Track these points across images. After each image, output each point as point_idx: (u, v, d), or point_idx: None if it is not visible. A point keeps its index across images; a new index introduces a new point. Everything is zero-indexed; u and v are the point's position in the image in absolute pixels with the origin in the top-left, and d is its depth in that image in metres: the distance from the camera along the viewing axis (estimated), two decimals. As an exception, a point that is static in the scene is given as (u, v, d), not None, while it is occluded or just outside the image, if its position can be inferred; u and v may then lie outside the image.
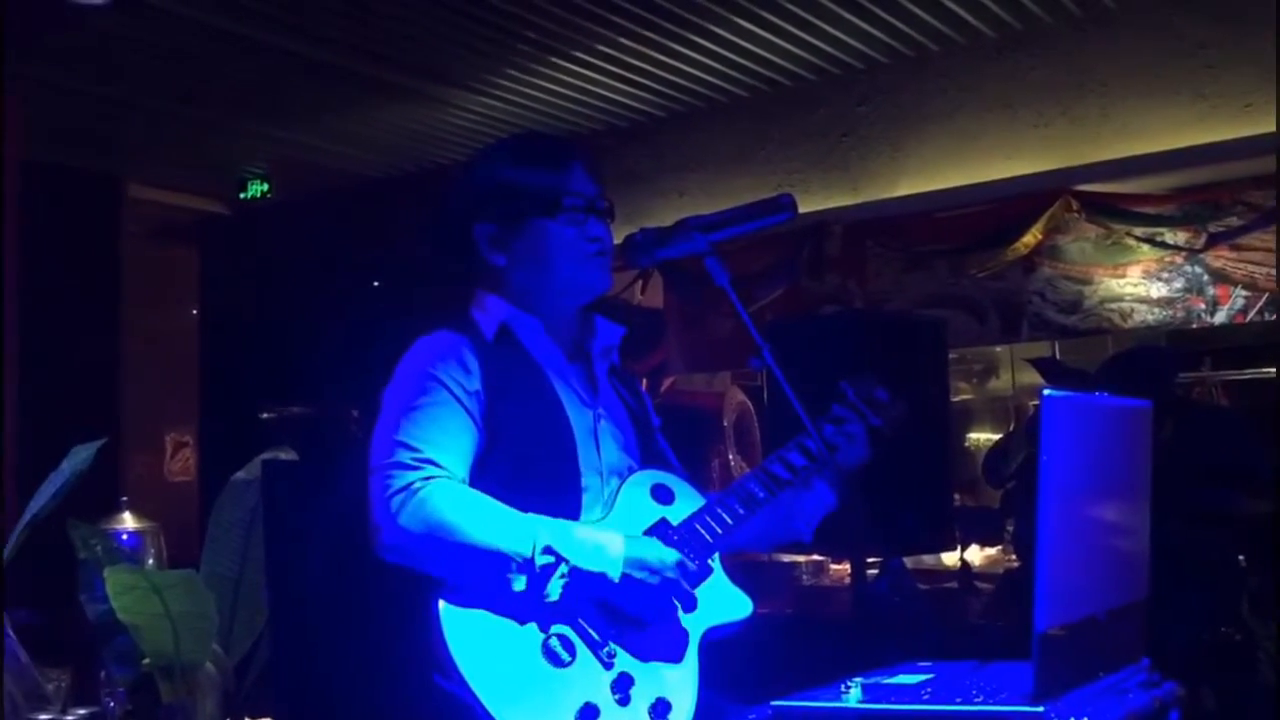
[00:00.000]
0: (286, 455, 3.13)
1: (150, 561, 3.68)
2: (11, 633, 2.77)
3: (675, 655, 1.87)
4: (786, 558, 5.11)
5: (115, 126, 5.90)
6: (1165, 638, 2.13)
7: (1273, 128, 4.37)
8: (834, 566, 5.24)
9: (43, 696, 2.77)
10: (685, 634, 1.90)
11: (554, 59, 5.17)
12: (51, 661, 3.00)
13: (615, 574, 1.82)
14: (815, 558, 5.00)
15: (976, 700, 1.53)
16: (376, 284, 6.58)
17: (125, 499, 3.84)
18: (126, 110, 5.69)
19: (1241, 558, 2.84)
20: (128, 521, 3.76)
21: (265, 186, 6.69)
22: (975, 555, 5.13)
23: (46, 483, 2.94)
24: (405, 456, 1.82)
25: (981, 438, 7.43)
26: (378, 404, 1.95)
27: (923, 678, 1.73)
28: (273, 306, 6.68)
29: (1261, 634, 2.75)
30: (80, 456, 2.98)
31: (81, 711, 2.50)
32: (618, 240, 2.08)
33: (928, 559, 4.89)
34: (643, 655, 1.85)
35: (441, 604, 1.78)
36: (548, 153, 2.09)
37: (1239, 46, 4.52)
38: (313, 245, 6.74)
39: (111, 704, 3.08)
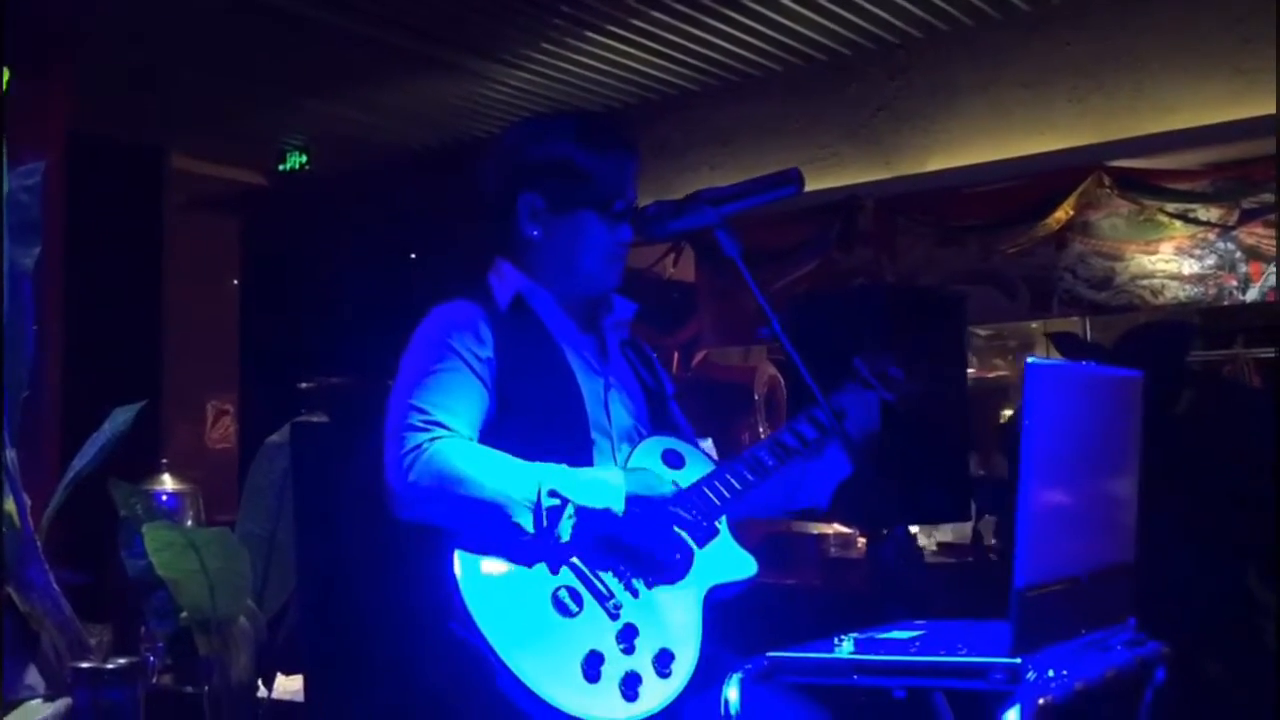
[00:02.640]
0: (317, 419, 3.22)
1: (189, 522, 3.81)
2: (56, 586, 2.88)
3: (681, 575, 1.95)
4: (814, 530, 5.15)
5: (158, 99, 6.02)
6: (1170, 606, 2.17)
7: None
8: (860, 540, 5.27)
9: (85, 647, 2.88)
10: (691, 557, 1.98)
11: (588, 33, 5.22)
12: (93, 617, 3.11)
13: (619, 507, 1.91)
14: (842, 530, 5.04)
15: (960, 652, 1.59)
16: (413, 255, 6.68)
17: (165, 461, 3.96)
18: (169, 83, 5.80)
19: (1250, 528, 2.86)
20: (167, 483, 3.89)
21: (304, 158, 6.79)
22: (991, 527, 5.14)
23: (88, 443, 3.04)
24: (416, 419, 1.91)
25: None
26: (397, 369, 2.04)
27: (914, 634, 1.79)
28: (312, 277, 6.80)
29: (1267, 604, 2.78)
30: (120, 419, 3.08)
31: (121, 660, 2.61)
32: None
33: (952, 531, 4.92)
34: (650, 580, 1.93)
35: (456, 555, 1.86)
36: (614, 149, 2.12)
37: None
38: (350, 217, 6.84)
39: (151, 657, 3.20)
